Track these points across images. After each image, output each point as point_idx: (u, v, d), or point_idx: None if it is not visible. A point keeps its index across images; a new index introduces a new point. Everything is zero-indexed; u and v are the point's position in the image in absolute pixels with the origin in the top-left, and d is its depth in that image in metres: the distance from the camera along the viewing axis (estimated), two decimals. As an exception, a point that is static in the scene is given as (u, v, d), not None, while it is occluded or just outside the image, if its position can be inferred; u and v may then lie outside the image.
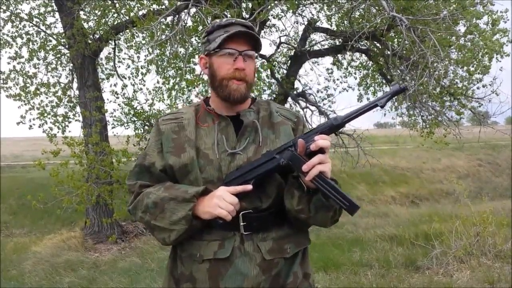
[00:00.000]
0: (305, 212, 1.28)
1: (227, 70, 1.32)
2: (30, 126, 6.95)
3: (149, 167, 1.38)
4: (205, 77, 6.63)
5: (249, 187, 1.25)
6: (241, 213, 1.29)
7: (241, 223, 1.29)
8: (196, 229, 1.30)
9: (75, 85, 7.15)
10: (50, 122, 7.07)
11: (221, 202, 1.23)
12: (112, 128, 6.46)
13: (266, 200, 1.33)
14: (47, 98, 7.11)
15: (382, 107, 1.15)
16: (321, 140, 1.17)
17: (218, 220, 1.25)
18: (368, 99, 7.52)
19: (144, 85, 7.27)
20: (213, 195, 1.26)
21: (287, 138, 1.35)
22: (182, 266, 1.36)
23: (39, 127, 6.96)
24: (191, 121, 1.37)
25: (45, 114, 6.93)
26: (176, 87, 5.89)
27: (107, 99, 6.85)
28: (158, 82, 7.18)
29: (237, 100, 1.34)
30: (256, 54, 1.39)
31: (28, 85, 7.09)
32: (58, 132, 6.84)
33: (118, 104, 5.98)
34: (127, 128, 5.98)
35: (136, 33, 6.51)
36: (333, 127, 1.20)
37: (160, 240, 1.33)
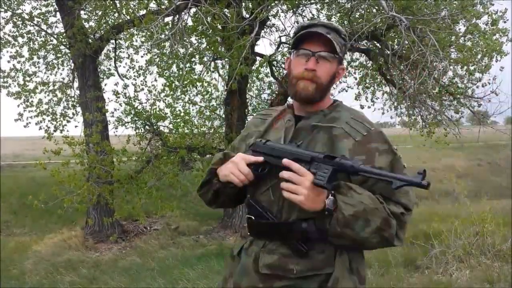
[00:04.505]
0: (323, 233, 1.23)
1: (299, 70, 1.33)
2: (27, 124, 6.97)
3: (233, 148, 1.51)
4: (207, 78, 6.66)
5: (260, 158, 1.29)
6: (246, 216, 1.33)
7: (244, 224, 1.37)
8: (215, 188, 1.39)
9: (75, 84, 7.16)
10: (48, 120, 7.10)
11: (234, 169, 1.29)
12: (114, 128, 6.48)
13: (288, 214, 1.28)
14: (45, 97, 7.14)
15: (393, 187, 1.11)
16: (284, 171, 1.20)
17: (230, 185, 1.32)
18: (366, 98, 7.52)
19: (146, 86, 7.29)
20: (231, 160, 1.33)
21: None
22: (228, 259, 1.48)
23: (36, 124, 6.99)
24: (271, 119, 1.45)
25: (43, 112, 6.96)
26: (178, 89, 5.89)
27: (108, 98, 6.87)
28: (156, 80, 7.19)
29: (304, 99, 1.34)
30: (334, 55, 1.33)
31: (27, 83, 7.11)
32: (55, 131, 6.87)
33: (120, 104, 5.99)
34: (128, 128, 5.99)
35: (137, 33, 6.52)
36: (343, 167, 1.16)
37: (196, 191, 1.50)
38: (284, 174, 1.19)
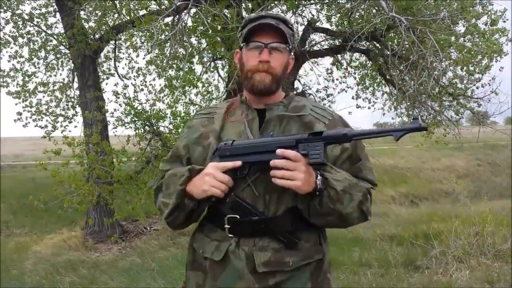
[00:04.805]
0: (305, 213, 1.26)
1: (252, 63, 1.33)
2: (26, 123, 6.97)
3: (179, 156, 1.42)
4: (204, 77, 6.66)
5: (238, 163, 1.22)
6: (227, 216, 1.26)
7: (225, 225, 1.26)
8: (191, 210, 1.29)
9: (75, 85, 7.17)
10: (47, 120, 7.11)
11: (213, 181, 1.21)
12: (113, 128, 6.48)
13: (277, 208, 1.26)
14: (44, 97, 7.15)
15: (395, 139, 1.13)
16: (276, 160, 1.15)
17: (212, 199, 1.24)
18: (365, 99, 7.53)
19: (146, 86, 7.29)
20: (204, 173, 1.24)
21: None
22: (194, 255, 1.39)
23: (33, 121, 6.98)
24: (221, 115, 1.39)
25: (43, 112, 6.96)
26: (179, 89, 5.90)
27: (108, 99, 6.87)
28: (154, 79, 7.17)
29: (261, 92, 1.34)
30: (286, 46, 1.36)
31: (27, 83, 7.12)
32: (54, 131, 6.88)
33: (120, 105, 5.99)
34: (127, 128, 5.98)
35: (137, 34, 6.52)
36: (335, 138, 1.17)
37: (164, 220, 1.35)
38: (277, 162, 1.16)
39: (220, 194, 1.21)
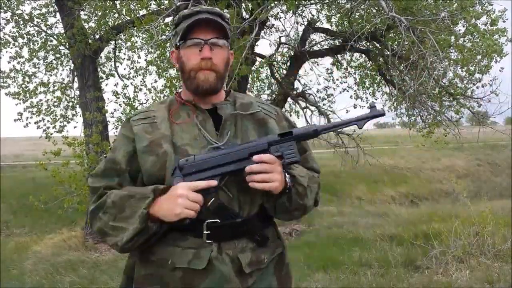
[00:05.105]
0: (271, 211, 1.29)
1: (194, 61, 1.26)
2: (26, 124, 6.98)
3: (118, 170, 1.27)
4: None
5: (213, 182, 1.17)
6: (207, 221, 1.20)
7: (204, 231, 1.20)
8: (153, 233, 1.18)
9: (75, 85, 7.17)
10: (47, 121, 7.11)
11: (186, 201, 1.13)
12: (114, 128, 6.49)
13: (250, 209, 1.26)
14: (45, 97, 7.15)
15: (359, 127, 1.21)
16: (253, 165, 1.16)
17: (184, 221, 1.15)
18: (366, 98, 7.54)
19: (145, 86, 7.30)
20: (175, 195, 1.14)
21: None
22: (151, 268, 1.24)
23: (35, 123, 7.00)
24: (164, 118, 1.29)
25: (43, 112, 6.97)
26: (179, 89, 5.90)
27: (108, 99, 6.88)
28: (156, 81, 7.18)
29: (207, 91, 1.28)
30: (225, 42, 1.30)
31: (27, 83, 7.12)
32: (55, 131, 6.88)
33: (119, 105, 6.00)
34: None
35: (136, 34, 6.51)
36: (306, 135, 1.22)
37: (114, 245, 1.20)
38: (255, 167, 1.16)
39: (194, 215, 1.14)
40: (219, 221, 1.20)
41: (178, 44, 1.30)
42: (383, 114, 1.20)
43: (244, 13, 5.53)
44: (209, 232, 1.20)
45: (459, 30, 5.69)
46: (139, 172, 1.26)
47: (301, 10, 6.57)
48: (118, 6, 6.24)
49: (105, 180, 1.27)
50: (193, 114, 1.30)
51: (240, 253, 1.22)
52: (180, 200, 1.12)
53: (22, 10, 6.87)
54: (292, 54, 7.12)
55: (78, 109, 7.25)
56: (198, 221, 1.19)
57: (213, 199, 1.20)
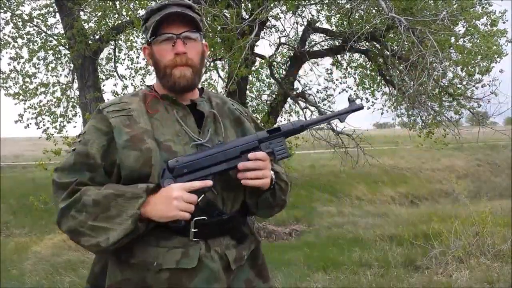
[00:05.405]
0: (252, 207, 1.30)
1: (168, 57, 1.22)
2: (27, 125, 6.98)
3: (91, 164, 1.18)
4: (204, 77, 6.66)
5: (209, 182, 1.15)
6: (194, 219, 1.16)
7: (192, 229, 1.16)
8: (138, 233, 1.12)
9: (75, 85, 7.17)
10: (48, 121, 7.11)
11: (181, 203, 1.10)
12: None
13: (233, 205, 1.26)
14: (45, 98, 7.15)
15: (341, 121, 1.28)
16: (247, 162, 1.18)
17: (177, 223, 1.13)
18: (366, 98, 7.54)
19: (145, 86, 7.30)
20: (170, 196, 1.10)
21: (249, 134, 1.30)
22: (129, 272, 1.17)
23: (35, 124, 6.99)
24: (142, 112, 1.22)
25: (43, 113, 6.97)
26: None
27: (107, 99, 6.88)
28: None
29: (184, 88, 1.24)
30: (198, 35, 1.26)
31: (27, 84, 7.13)
32: (55, 132, 6.88)
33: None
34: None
35: (136, 34, 6.51)
36: (294, 131, 1.26)
37: (93, 246, 1.12)
38: (249, 164, 1.18)
39: (188, 217, 1.12)
40: (206, 218, 1.19)
41: (149, 40, 1.25)
42: (361, 108, 1.27)
43: (244, 14, 5.54)
44: (196, 230, 1.17)
45: (459, 30, 5.70)
46: (114, 167, 1.18)
47: (301, 10, 6.57)
48: (118, 7, 6.24)
49: (75, 175, 1.17)
50: (172, 110, 1.26)
51: (226, 250, 1.22)
52: (176, 202, 1.10)
53: (22, 11, 6.87)
54: (292, 54, 7.12)
55: (78, 109, 7.25)
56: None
57: (202, 195, 1.17)
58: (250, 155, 1.18)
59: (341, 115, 1.26)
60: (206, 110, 1.29)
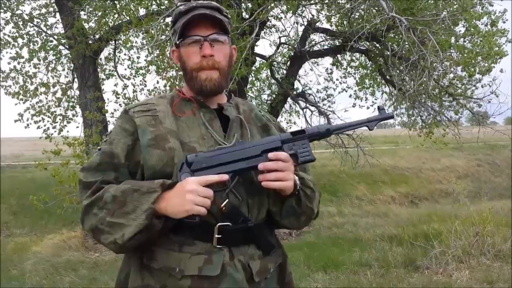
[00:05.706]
0: (277, 215, 1.22)
1: (195, 60, 1.19)
2: (27, 125, 6.98)
3: (116, 164, 1.16)
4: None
5: (225, 176, 1.09)
6: (218, 224, 1.12)
7: (216, 235, 1.12)
8: (155, 230, 1.08)
9: (75, 85, 7.18)
10: (48, 121, 7.12)
11: (196, 197, 1.04)
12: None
13: (258, 213, 1.19)
14: (46, 98, 7.15)
15: (370, 128, 1.23)
16: (268, 163, 1.11)
17: (192, 219, 1.06)
18: (366, 98, 7.55)
19: (145, 86, 7.30)
20: (184, 190, 1.05)
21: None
22: (150, 278, 1.14)
23: (35, 123, 7.00)
24: (168, 113, 1.20)
25: (43, 113, 6.97)
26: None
27: (107, 99, 6.88)
28: (158, 82, 7.19)
29: (211, 91, 1.21)
30: (226, 37, 1.24)
31: (27, 84, 7.13)
32: (55, 132, 6.89)
33: (120, 105, 6.00)
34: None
35: (136, 34, 6.51)
36: (319, 134, 1.21)
37: (110, 244, 1.09)
38: (269, 165, 1.11)
39: (204, 212, 1.06)
40: (231, 224, 1.13)
41: (177, 42, 1.23)
42: (392, 117, 1.24)
43: (244, 14, 5.54)
44: (220, 236, 1.12)
45: (459, 31, 5.70)
46: (138, 167, 1.16)
47: (301, 10, 6.57)
48: (118, 6, 6.25)
49: (101, 175, 1.15)
50: (199, 112, 1.23)
51: (250, 260, 1.16)
52: (190, 195, 1.04)
53: (22, 11, 6.88)
54: (292, 54, 7.12)
55: (78, 109, 7.26)
56: (207, 224, 1.12)
57: (227, 200, 1.12)
58: (271, 154, 1.11)
59: (370, 123, 1.22)
60: (233, 115, 1.25)
